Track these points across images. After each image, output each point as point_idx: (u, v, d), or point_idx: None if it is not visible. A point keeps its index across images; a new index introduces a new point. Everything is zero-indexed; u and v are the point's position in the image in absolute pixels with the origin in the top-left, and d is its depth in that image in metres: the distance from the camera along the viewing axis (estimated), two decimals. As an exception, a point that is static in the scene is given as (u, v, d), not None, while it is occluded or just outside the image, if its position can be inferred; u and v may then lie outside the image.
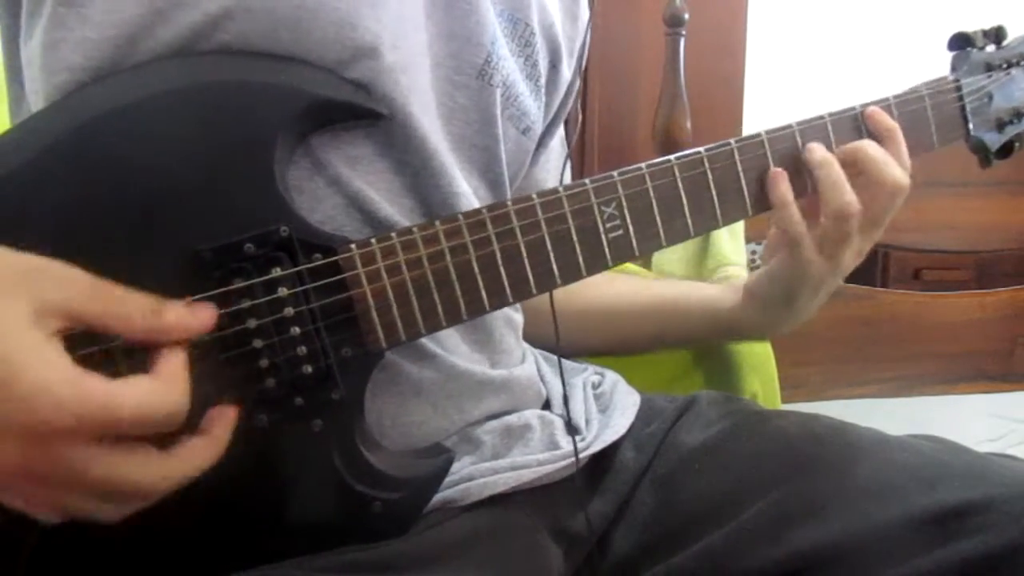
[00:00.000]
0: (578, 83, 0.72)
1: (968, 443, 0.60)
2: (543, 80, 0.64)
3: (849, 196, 0.61)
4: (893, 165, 0.63)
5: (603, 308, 0.77)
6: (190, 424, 0.43)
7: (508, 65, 0.60)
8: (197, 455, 0.43)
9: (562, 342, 0.63)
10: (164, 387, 0.42)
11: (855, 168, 0.62)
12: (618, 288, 0.79)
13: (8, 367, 0.37)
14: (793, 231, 0.62)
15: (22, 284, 0.40)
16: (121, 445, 0.41)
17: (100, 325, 0.41)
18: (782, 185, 0.61)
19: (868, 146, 0.63)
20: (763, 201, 0.61)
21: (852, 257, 0.65)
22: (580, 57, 0.71)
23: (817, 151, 0.62)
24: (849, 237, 0.63)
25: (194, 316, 0.44)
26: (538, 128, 0.65)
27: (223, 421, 0.45)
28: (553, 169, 0.74)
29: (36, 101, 0.52)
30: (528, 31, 0.62)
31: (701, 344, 0.87)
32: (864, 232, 0.64)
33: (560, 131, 0.75)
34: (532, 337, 0.69)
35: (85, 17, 0.49)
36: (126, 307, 0.42)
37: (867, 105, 0.65)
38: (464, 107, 0.58)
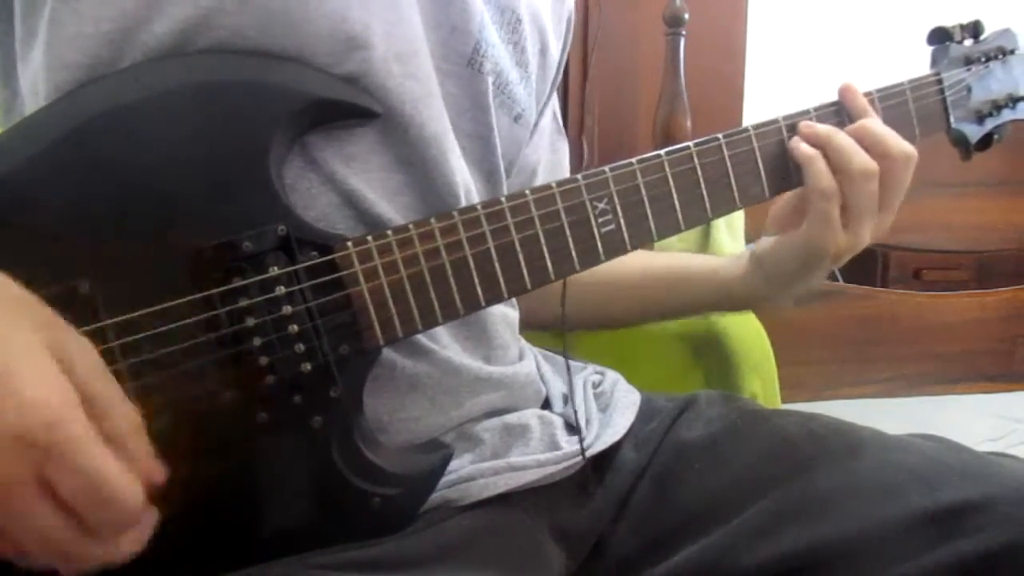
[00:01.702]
0: (566, 56, 0.72)
1: (968, 443, 0.60)
2: (533, 67, 0.64)
3: (862, 158, 0.61)
4: (896, 137, 0.63)
5: (609, 279, 0.76)
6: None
7: (497, 52, 0.60)
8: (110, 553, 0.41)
9: (570, 315, 0.63)
10: (130, 479, 0.40)
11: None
12: (629, 259, 0.79)
13: (8, 373, 0.37)
14: (823, 186, 0.61)
15: (41, 325, 0.40)
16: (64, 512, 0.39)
17: (96, 398, 0.40)
18: (802, 145, 0.62)
19: (869, 124, 0.63)
20: (751, 194, 0.62)
21: (872, 231, 0.64)
22: (567, 31, 0.71)
23: (813, 126, 0.62)
24: (872, 202, 0.62)
25: (153, 466, 0.43)
26: (530, 115, 0.65)
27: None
28: (545, 148, 0.74)
29: (37, 101, 0.52)
30: (515, 18, 0.62)
31: (700, 313, 0.86)
32: (883, 207, 0.64)
33: (552, 110, 0.75)
34: (531, 316, 0.69)
35: (80, 13, 0.49)
36: (119, 403, 0.41)
37: None
38: (456, 96, 0.58)
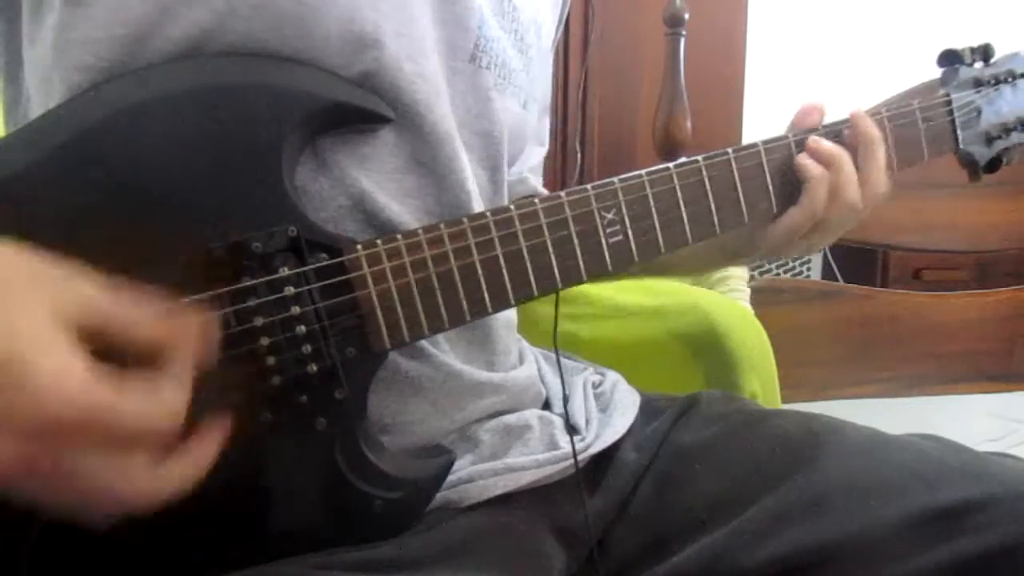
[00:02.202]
0: (562, 26, 0.73)
1: (968, 443, 0.61)
2: (533, 51, 0.65)
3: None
4: (854, 184, 0.64)
5: None
6: (193, 425, 0.43)
7: (498, 45, 0.60)
8: (188, 469, 0.43)
9: None
10: (169, 393, 0.42)
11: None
12: None
13: (21, 361, 0.37)
14: (817, 210, 0.63)
15: (38, 283, 0.40)
16: (120, 452, 0.40)
17: (113, 328, 0.41)
18: (811, 162, 0.62)
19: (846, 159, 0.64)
20: (759, 210, 0.62)
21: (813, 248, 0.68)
22: (562, 13, 0.72)
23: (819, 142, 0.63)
24: (839, 228, 0.65)
25: (203, 326, 0.44)
26: (534, 99, 0.66)
27: (213, 438, 0.45)
28: (540, 116, 0.74)
29: (48, 102, 0.52)
30: (511, 6, 0.63)
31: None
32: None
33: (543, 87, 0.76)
34: None
35: (91, 17, 0.49)
36: (139, 312, 0.42)
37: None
38: (462, 92, 0.58)
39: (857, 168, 0.63)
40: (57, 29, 0.50)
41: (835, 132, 0.65)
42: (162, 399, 0.41)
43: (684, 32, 1.54)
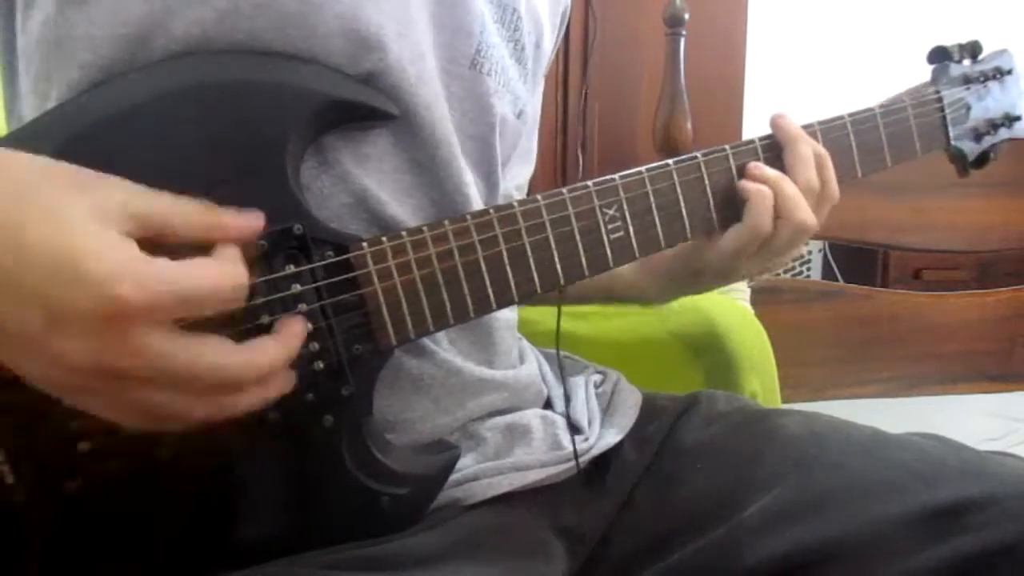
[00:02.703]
0: (557, 47, 0.73)
1: (968, 443, 0.61)
2: (530, 62, 0.65)
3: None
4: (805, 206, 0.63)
5: None
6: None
7: (498, 52, 0.60)
8: (270, 350, 0.44)
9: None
10: (229, 264, 0.43)
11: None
12: None
13: (75, 254, 0.37)
14: (764, 224, 0.61)
15: (81, 186, 0.40)
16: (198, 333, 0.41)
17: (159, 222, 0.42)
18: (749, 183, 0.62)
19: (784, 183, 0.62)
20: None
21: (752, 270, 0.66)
22: (562, 23, 0.72)
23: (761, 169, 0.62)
24: (789, 251, 0.65)
25: (246, 217, 0.45)
26: (529, 108, 0.66)
27: (292, 329, 0.46)
28: (529, 135, 0.74)
29: (45, 102, 0.52)
30: (515, 16, 0.63)
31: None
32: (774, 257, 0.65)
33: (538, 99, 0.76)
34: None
35: (92, 14, 0.49)
36: (183, 206, 0.43)
37: (855, 114, 0.67)
38: (460, 97, 0.59)
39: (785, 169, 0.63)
40: (51, 25, 0.50)
41: (840, 128, 0.65)
42: (222, 271, 0.42)
43: (684, 32, 1.54)
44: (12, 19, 0.54)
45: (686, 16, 1.53)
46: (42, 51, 0.51)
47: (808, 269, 2.18)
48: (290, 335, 0.46)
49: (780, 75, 1.98)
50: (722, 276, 0.67)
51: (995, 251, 2.14)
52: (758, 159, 0.62)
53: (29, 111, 0.54)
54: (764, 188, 0.61)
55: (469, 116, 0.59)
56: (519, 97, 0.63)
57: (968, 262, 2.13)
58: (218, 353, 0.41)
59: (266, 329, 0.47)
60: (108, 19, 0.49)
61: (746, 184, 0.61)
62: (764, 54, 1.96)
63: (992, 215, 2.12)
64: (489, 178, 0.62)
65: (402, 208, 0.55)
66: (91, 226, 0.39)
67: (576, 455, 0.60)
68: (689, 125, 1.56)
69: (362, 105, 0.52)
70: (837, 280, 1.99)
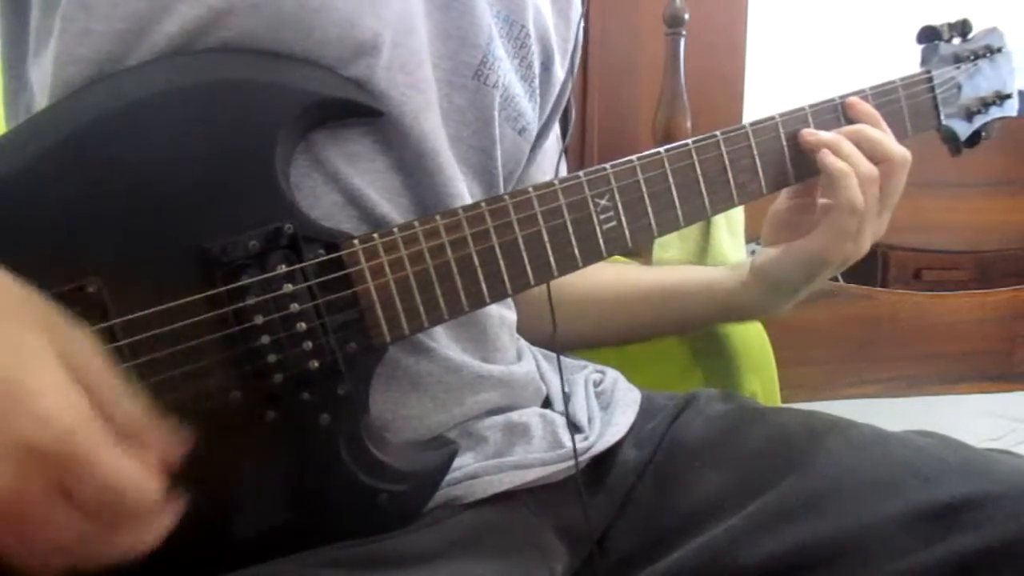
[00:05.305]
0: (571, 82, 0.73)
1: (968, 443, 0.61)
2: (537, 82, 0.65)
3: (868, 165, 0.64)
4: (892, 140, 0.65)
5: (600, 296, 0.77)
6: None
7: (504, 66, 0.60)
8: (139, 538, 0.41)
9: (560, 334, 0.63)
10: (138, 473, 0.40)
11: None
12: (614, 275, 0.79)
13: (22, 387, 0.37)
14: (856, 202, 0.63)
15: (43, 321, 0.39)
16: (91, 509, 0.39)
17: (104, 397, 0.40)
18: (832, 158, 0.63)
19: (866, 128, 0.65)
20: (748, 191, 0.63)
21: (871, 237, 0.67)
22: (573, 56, 0.71)
23: (817, 134, 0.64)
24: (874, 207, 0.65)
25: (169, 448, 0.42)
26: (534, 128, 0.66)
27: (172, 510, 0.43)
28: (548, 167, 0.74)
29: (42, 99, 0.52)
30: (523, 33, 0.63)
31: (696, 328, 0.86)
32: (882, 211, 0.66)
33: (555, 130, 0.76)
34: (529, 332, 0.70)
35: (92, 9, 0.49)
36: (126, 399, 0.41)
37: (845, 96, 0.67)
38: (461, 108, 0.58)
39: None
40: (60, 20, 0.50)
41: (825, 111, 0.66)
42: (134, 474, 0.39)
43: (684, 32, 1.54)
44: (24, 16, 0.54)
45: (686, 16, 1.53)
46: (52, 46, 0.51)
47: (808, 269, 2.17)
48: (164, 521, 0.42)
49: (780, 74, 1.98)
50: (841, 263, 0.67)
51: (995, 251, 2.14)
52: (749, 145, 0.63)
53: (35, 107, 0.54)
54: (845, 165, 0.62)
55: (471, 127, 0.59)
56: (523, 114, 0.63)
57: (968, 262, 2.13)
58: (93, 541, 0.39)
59: (259, 330, 0.46)
60: (108, 13, 0.49)
61: (832, 161, 0.63)
62: (764, 53, 1.96)
63: (992, 215, 2.12)
64: (490, 191, 0.62)
65: (392, 207, 0.55)
66: (48, 365, 0.38)
67: (576, 454, 0.60)
68: (689, 124, 1.57)
69: (349, 101, 0.52)
70: (837, 280, 1.99)
